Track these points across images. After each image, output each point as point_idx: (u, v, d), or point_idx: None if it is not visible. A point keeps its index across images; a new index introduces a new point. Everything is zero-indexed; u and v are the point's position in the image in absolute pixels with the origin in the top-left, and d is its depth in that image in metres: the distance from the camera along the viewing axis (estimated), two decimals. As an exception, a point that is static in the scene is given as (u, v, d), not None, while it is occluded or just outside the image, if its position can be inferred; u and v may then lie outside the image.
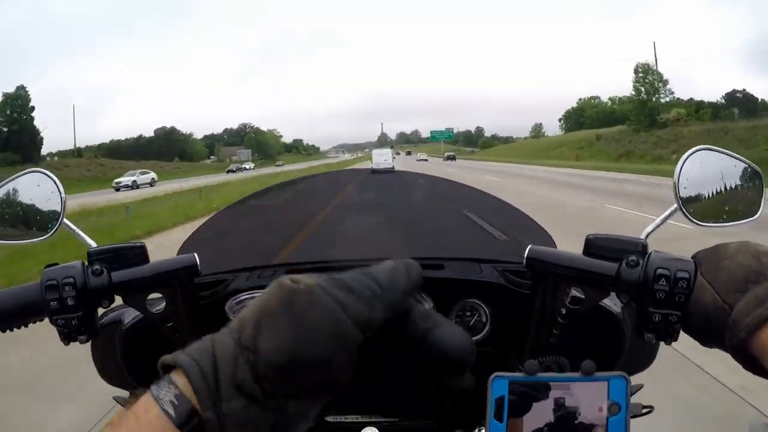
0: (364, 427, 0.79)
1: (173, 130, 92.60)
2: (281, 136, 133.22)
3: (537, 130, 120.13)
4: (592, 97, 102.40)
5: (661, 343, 0.57)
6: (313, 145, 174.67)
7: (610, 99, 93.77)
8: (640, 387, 0.86)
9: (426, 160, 69.18)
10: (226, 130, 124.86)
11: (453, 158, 73.07)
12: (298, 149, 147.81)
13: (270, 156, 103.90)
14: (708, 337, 0.53)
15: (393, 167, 31.18)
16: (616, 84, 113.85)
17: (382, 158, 35.08)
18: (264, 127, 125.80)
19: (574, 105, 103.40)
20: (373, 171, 1.50)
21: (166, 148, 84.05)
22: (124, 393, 0.86)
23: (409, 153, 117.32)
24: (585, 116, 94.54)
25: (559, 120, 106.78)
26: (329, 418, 0.79)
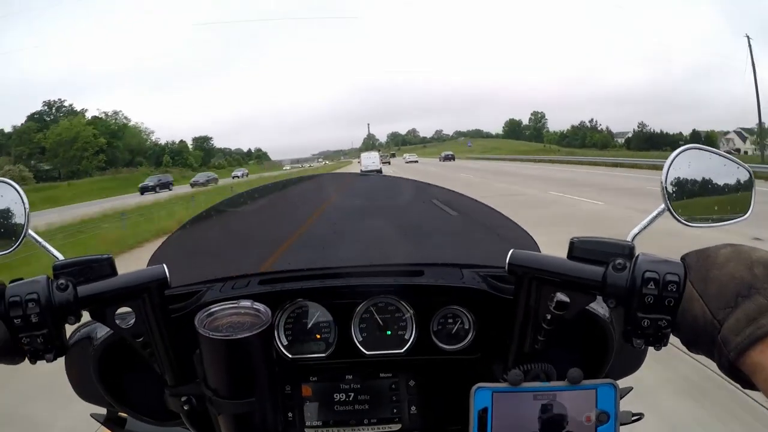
0: None
1: None
2: (145, 131, 72.68)
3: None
4: None
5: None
6: (259, 151, 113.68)
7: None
8: (629, 390, 0.85)
9: (416, 161, 66.34)
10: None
11: (452, 158, 63.60)
12: (185, 159, 71.05)
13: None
14: (696, 348, 0.51)
15: (381, 169, 33.00)
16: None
17: (370, 161, 38.33)
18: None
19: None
20: (362, 172, 1.49)
21: None
22: (102, 410, 0.84)
23: (393, 155, 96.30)
24: None
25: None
26: (310, 430, 0.77)
